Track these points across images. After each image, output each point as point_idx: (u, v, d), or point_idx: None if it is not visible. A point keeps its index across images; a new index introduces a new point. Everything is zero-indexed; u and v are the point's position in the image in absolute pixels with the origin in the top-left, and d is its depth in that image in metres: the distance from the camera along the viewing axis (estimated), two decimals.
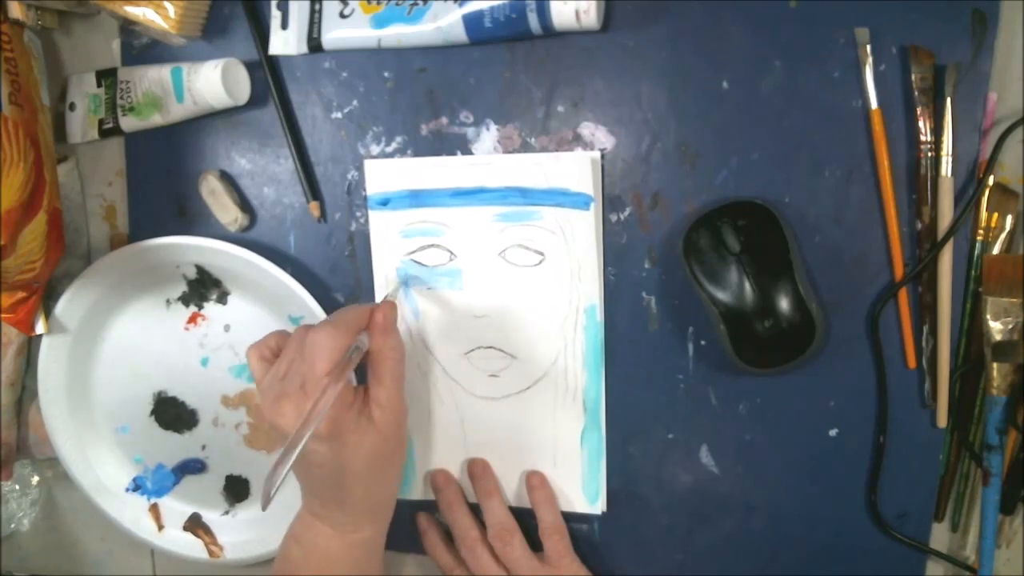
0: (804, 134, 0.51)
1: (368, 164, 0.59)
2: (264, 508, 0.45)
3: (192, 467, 0.69)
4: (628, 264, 0.55)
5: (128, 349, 0.68)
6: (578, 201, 0.54)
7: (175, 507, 0.70)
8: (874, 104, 0.49)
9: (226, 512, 0.69)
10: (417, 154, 0.58)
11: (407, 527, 0.62)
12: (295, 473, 0.54)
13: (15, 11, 0.60)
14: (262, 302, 0.63)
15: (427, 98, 0.57)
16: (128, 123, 0.62)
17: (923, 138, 0.48)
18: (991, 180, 0.48)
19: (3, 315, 0.63)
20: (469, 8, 0.52)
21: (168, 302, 0.66)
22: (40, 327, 0.66)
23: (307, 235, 0.62)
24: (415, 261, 0.59)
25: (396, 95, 0.58)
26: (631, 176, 0.54)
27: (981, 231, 0.49)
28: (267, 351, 0.52)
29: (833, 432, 0.53)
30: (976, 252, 0.49)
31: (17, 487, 0.76)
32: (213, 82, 0.58)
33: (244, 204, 0.63)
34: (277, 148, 0.61)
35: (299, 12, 0.58)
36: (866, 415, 0.52)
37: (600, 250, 0.55)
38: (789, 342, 0.51)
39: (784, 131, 0.51)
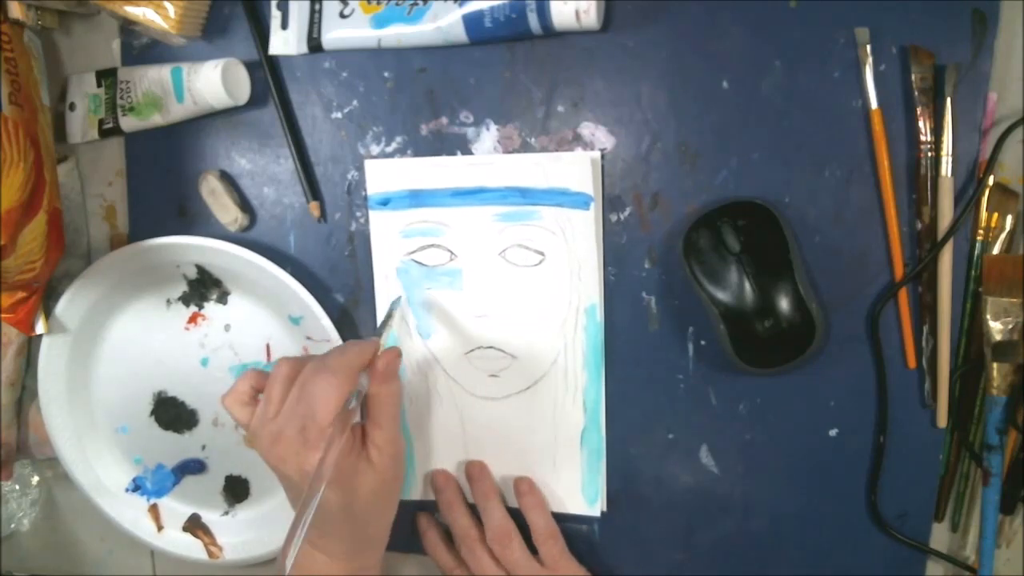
0: (804, 134, 0.51)
1: (368, 164, 0.59)
2: (283, 574, 0.44)
3: (192, 467, 0.69)
4: (628, 264, 0.55)
5: (128, 349, 0.68)
6: (578, 201, 0.54)
7: (175, 507, 0.70)
8: (874, 104, 0.49)
9: (226, 512, 0.69)
10: (417, 154, 0.58)
11: (407, 527, 0.62)
12: (290, 504, 0.55)
13: (15, 11, 0.60)
14: (262, 302, 0.63)
15: (427, 98, 0.57)
16: (128, 123, 0.62)
17: (923, 138, 0.48)
18: (991, 180, 0.48)
19: (3, 315, 0.63)
20: (469, 8, 0.52)
21: (168, 302, 0.66)
22: (40, 327, 0.66)
23: (307, 235, 0.62)
24: (415, 261, 0.59)
25: (396, 95, 0.58)
26: (631, 176, 0.54)
27: (981, 231, 0.49)
28: (245, 396, 0.53)
29: (833, 432, 0.53)
30: (976, 252, 0.49)
31: (17, 487, 0.76)
32: (213, 82, 0.58)
33: (244, 204, 0.63)
34: (277, 148, 0.61)
35: (299, 12, 0.58)
36: (866, 415, 0.52)
37: (600, 250, 0.55)
38: (789, 342, 0.51)
39: (784, 131, 0.51)
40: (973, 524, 0.52)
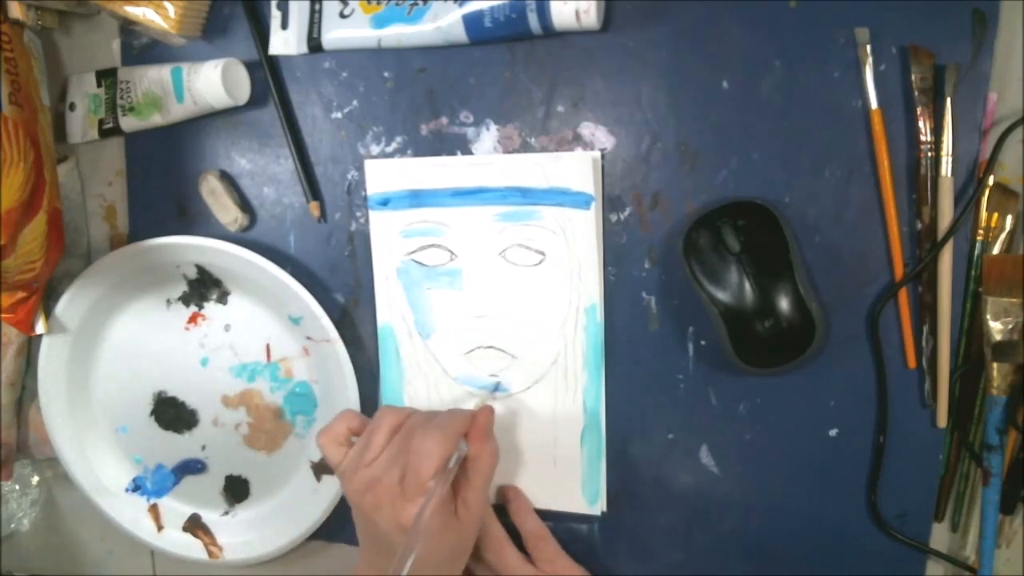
0: (804, 134, 0.51)
1: (368, 164, 0.59)
2: None
3: (192, 467, 0.69)
4: (628, 264, 0.55)
5: (128, 349, 0.68)
6: (578, 201, 0.54)
7: (175, 507, 0.70)
8: (874, 104, 0.49)
9: (226, 513, 0.69)
10: (417, 154, 0.58)
11: None
12: (361, 544, 0.55)
13: (15, 11, 0.60)
14: (262, 302, 0.63)
15: (427, 98, 0.57)
16: (128, 123, 0.62)
17: (923, 138, 0.48)
18: (991, 180, 0.48)
19: (3, 315, 0.63)
20: (469, 8, 0.52)
21: (168, 302, 0.66)
22: (40, 327, 0.66)
23: (307, 235, 0.62)
24: (415, 261, 0.59)
25: (396, 95, 0.58)
26: (631, 176, 0.54)
27: (981, 231, 0.49)
28: (341, 436, 0.55)
29: (833, 432, 0.53)
30: (976, 252, 0.49)
31: (17, 487, 0.76)
32: (213, 82, 0.58)
33: (244, 204, 0.63)
34: (277, 148, 0.61)
35: (299, 12, 0.58)
36: (866, 415, 0.52)
37: (600, 250, 0.55)
38: (789, 342, 0.51)
39: (784, 131, 0.51)
40: (973, 524, 0.52)
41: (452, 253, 0.58)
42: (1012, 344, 0.47)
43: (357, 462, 0.52)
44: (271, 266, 0.60)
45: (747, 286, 0.52)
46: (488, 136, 0.57)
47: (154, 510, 0.70)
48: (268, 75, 0.60)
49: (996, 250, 0.49)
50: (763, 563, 0.56)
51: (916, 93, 0.48)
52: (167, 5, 0.58)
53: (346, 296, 0.62)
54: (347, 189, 0.60)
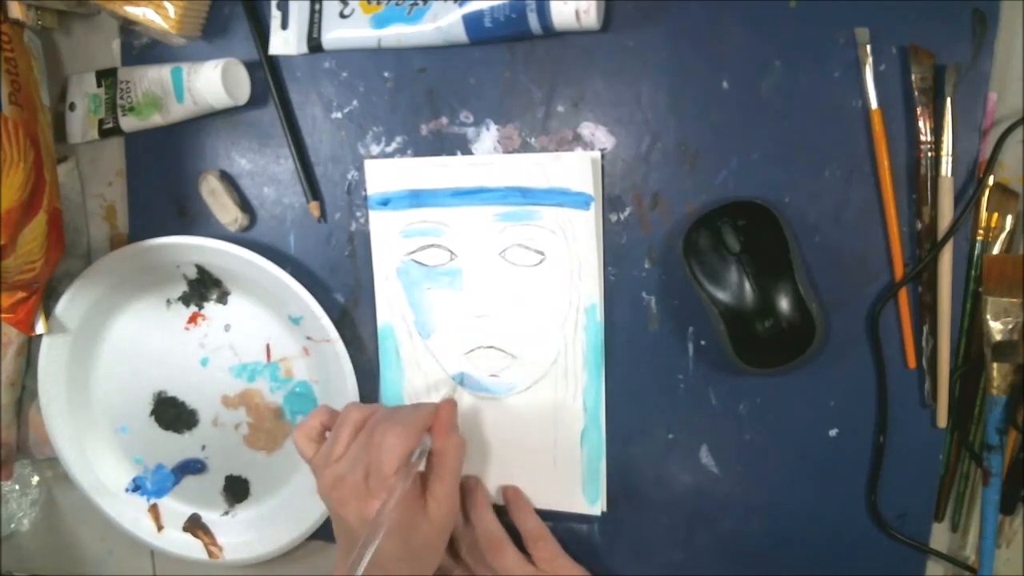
0: (804, 134, 0.51)
1: (368, 164, 0.59)
2: None
3: (192, 467, 0.69)
4: (628, 264, 0.55)
5: (128, 349, 0.68)
6: (578, 201, 0.54)
7: (175, 507, 0.70)
8: (874, 104, 0.49)
9: (226, 513, 0.69)
10: (417, 154, 0.58)
11: None
12: (339, 545, 0.55)
13: (15, 11, 0.60)
14: (262, 302, 0.63)
15: (427, 98, 0.57)
16: (128, 123, 0.62)
17: (923, 138, 0.48)
18: (991, 180, 0.48)
19: (3, 315, 0.63)
20: (469, 8, 0.52)
21: (168, 302, 0.66)
22: (40, 327, 0.66)
23: (307, 235, 0.62)
24: (415, 261, 0.59)
25: (396, 95, 0.58)
26: (631, 176, 0.54)
27: (981, 231, 0.49)
28: (314, 432, 0.55)
29: (833, 432, 0.53)
30: (976, 252, 0.49)
31: (17, 487, 0.76)
32: (213, 82, 0.58)
33: (244, 204, 0.63)
34: (277, 148, 0.61)
35: (299, 12, 0.58)
36: (866, 415, 0.52)
37: (600, 250, 0.55)
38: (789, 342, 0.51)
39: (784, 131, 0.51)
40: (973, 524, 0.52)
41: (452, 253, 0.58)
42: (1012, 344, 0.47)
43: (326, 459, 0.52)
44: (271, 266, 0.60)
45: (747, 286, 0.52)
46: (488, 136, 0.57)
47: (154, 510, 0.70)
48: (268, 75, 0.60)
49: (996, 250, 0.49)
50: (763, 563, 0.56)
51: (916, 93, 0.48)
52: (167, 5, 0.58)
53: (346, 296, 0.62)
54: (347, 189, 0.60)
